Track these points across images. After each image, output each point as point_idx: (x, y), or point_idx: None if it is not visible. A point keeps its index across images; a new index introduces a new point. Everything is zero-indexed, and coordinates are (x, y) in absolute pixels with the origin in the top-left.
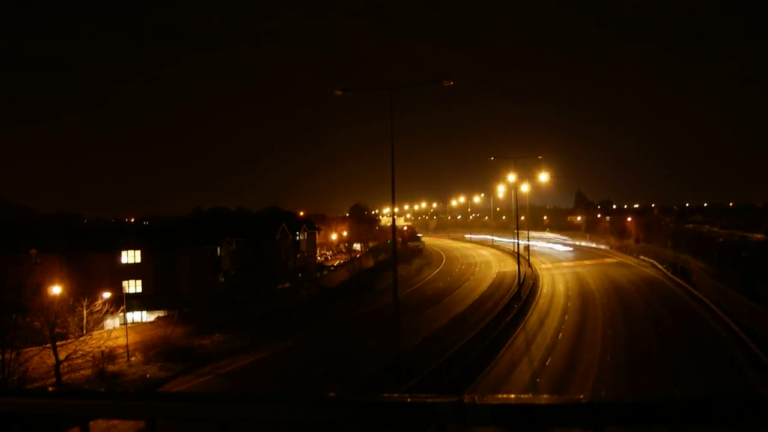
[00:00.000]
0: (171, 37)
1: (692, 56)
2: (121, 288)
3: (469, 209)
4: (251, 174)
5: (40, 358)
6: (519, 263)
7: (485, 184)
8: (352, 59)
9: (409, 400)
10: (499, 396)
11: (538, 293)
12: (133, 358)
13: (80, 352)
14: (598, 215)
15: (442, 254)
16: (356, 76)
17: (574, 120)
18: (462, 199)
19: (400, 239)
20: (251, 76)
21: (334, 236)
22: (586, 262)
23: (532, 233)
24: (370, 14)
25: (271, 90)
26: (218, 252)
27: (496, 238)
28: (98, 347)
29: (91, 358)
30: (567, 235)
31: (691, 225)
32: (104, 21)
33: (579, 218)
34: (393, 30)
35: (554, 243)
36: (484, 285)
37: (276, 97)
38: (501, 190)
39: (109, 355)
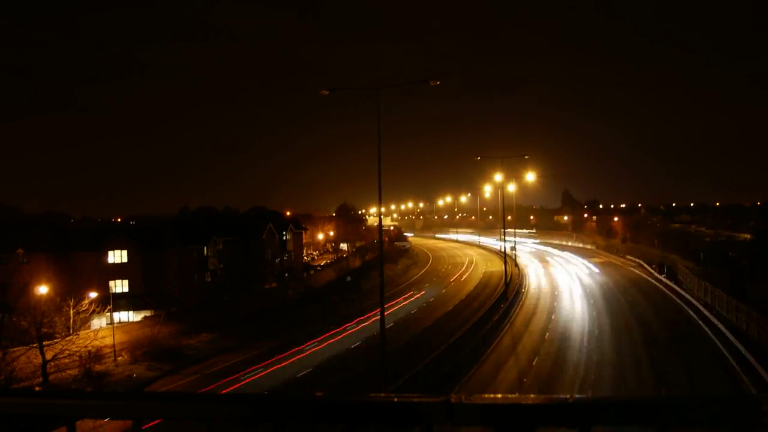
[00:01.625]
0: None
1: (680, 53)
2: (107, 287)
3: (455, 209)
4: (238, 174)
5: (26, 358)
6: (506, 263)
7: (472, 184)
8: (327, 58)
9: (396, 399)
10: (486, 396)
11: (524, 293)
12: (119, 358)
13: (67, 352)
14: (585, 215)
15: (429, 254)
16: (338, 75)
17: (561, 119)
18: (449, 199)
19: (386, 239)
20: (224, 74)
21: (320, 236)
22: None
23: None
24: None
25: (250, 88)
26: (205, 251)
27: (482, 239)
28: (85, 347)
29: (77, 358)
30: (553, 237)
31: (677, 225)
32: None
33: (566, 218)
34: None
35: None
36: (471, 285)
37: (258, 96)
38: (488, 190)
39: (96, 355)
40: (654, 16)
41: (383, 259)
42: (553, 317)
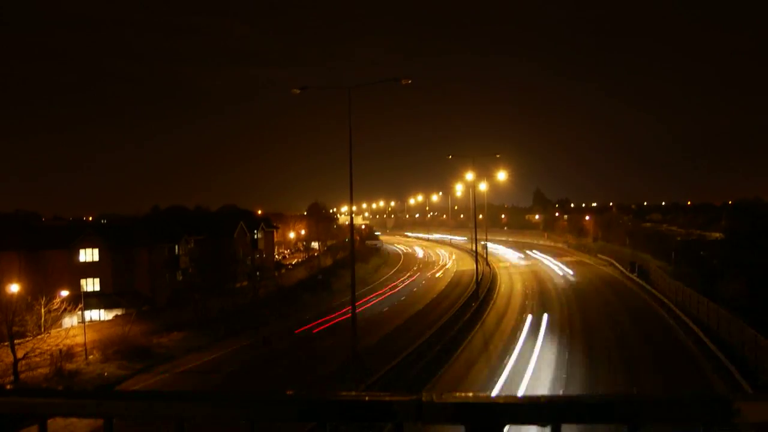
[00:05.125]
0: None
1: (656, 53)
2: (79, 286)
3: (427, 208)
4: (209, 173)
5: None
6: (477, 262)
7: (443, 183)
8: (298, 58)
9: (367, 398)
10: (458, 394)
11: (496, 292)
12: (91, 357)
13: (38, 351)
14: (557, 214)
15: (400, 253)
16: (310, 76)
17: (533, 119)
18: (420, 198)
19: (357, 238)
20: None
21: (292, 235)
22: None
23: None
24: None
25: (223, 87)
26: (176, 250)
27: (454, 238)
28: (56, 345)
29: (49, 357)
30: (524, 236)
31: (649, 223)
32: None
33: (537, 217)
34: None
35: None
36: (442, 284)
37: (229, 97)
38: (459, 189)
39: (67, 354)
40: (627, 21)
41: (354, 258)
42: (524, 316)
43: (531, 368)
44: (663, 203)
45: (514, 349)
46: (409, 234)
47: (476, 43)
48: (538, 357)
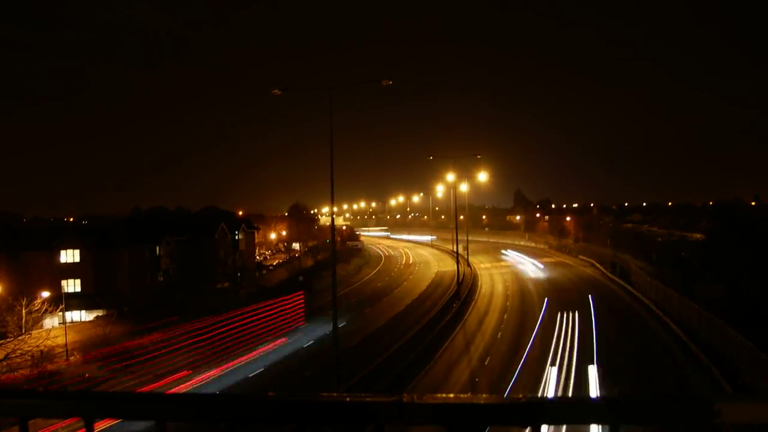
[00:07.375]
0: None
1: (634, 53)
2: (60, 287)
3: (408, 209)
4: (190, 174)
5: None
6: (458, 263)
7: (424, 184)
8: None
9: (348, 399)
10: (438, 395)
11: (477, 293)
12: (72, 358)
13: (19, 351)
14: (537, 215)
15: (381, 254)
16: (290, 78)
17: (513, 121)
18: (401, 199)
19: (339, 238)
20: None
21: (273, 236)
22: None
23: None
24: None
25: (202, 86)
26: (157, 251)
27: (435, 238)
28: (37, 346)
29: (30, 358)
30: (505, 236)
31: (630, 224)
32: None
33: (518, 218)
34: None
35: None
36: (423, 284)
37: (211, 98)
38: (440, 190)
39: (48, 355)
40: (609, 22)
41: (335, 259)
42: (505, 317)
43: (516, 370)
44: (644, 204)
45: (495, 350)
46: (393, 236)
47: (458, 44)
48: (520, 359)
